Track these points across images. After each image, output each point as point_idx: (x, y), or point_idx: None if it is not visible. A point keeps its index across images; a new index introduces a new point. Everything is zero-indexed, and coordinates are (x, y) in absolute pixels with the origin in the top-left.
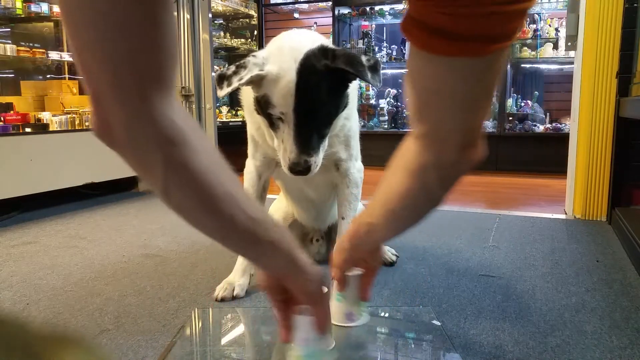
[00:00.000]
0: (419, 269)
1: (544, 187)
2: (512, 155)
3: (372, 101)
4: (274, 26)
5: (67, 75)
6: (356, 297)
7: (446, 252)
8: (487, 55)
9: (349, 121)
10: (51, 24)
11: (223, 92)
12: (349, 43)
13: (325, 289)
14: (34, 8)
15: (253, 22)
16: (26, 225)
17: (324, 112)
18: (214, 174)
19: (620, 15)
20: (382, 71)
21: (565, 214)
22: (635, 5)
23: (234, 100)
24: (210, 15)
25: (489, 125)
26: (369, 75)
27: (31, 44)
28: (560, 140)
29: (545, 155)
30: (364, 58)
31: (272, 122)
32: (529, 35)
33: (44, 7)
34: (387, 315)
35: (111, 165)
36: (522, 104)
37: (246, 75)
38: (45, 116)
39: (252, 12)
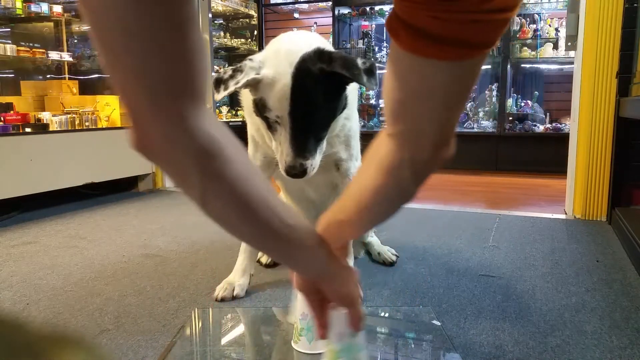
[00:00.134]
0: (419, 269)
1: (544, 187)
2: (512, 155)
3: (372, 101)
4: (274, 26)
5: (67, 75)
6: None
7: (446, 252)
8: (470, 59)
9: (350, 121)
10: (51, 24)
11: (219, 95)
12: (349, 43)
13: (360, 291)
14: (34, 8)
15: (253, 22)
16: (26, 225)
17: (320, 116)
18: (250, 182)
19: (620, 15)
20: (381, 72)
21: (565, 214)
22: (635, 5)
23: (234, 101)
24: (210, 15)
25: (489, 125)
26: (365, 78)
27: (31, 44)
28: (560, 140)
29: (545, 155)
30: (359, 61)
31: (270, 125)
32: (529, 35)
33: (44, 7)
34: (387, 315)
35: (111, 165)
36: (522, 104)
37: (242, 79)
38: (45, 116)
39: (252, 12)
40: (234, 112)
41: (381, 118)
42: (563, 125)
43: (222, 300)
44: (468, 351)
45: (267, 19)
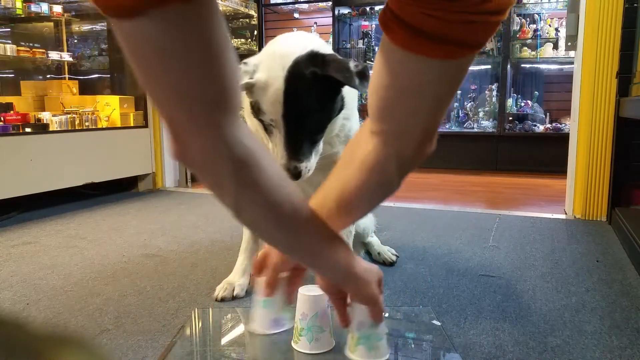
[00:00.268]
0: (419, 269)
1: (544, 187)
2: (512, 155)
3: None
4: (274, 26)
5: (67, 75)
6: (283, 301)
7: (446, 252)
8: (461, 58)
9: (349, 121)
10: (51, 24)
11: None
12: (349, 43)
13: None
14: (34, 8)
15: (253, 22)
16: (26, 225)
17: (314, 119)
18: (281, 190)
19: (620, 15)
20: None
21: (565, 214)
22: (635, 5)
23: None
24: None
25: (489, 125)
26: (357, 81)
27: (31, 44)
28: (560, 140)
29: (545, 155)
30: (352, 64)
31: (266, 127)
32: (529, 35)
33: (44, 7)
34: (387, 315)
35: (111, 165)
36: (522, 104)
37: None
38: (45, 116)
39: (252, 12)
40: None
41: None
42: (563, 125)
43: (222, 300)
44: (468, 351)
45: (267, 19)
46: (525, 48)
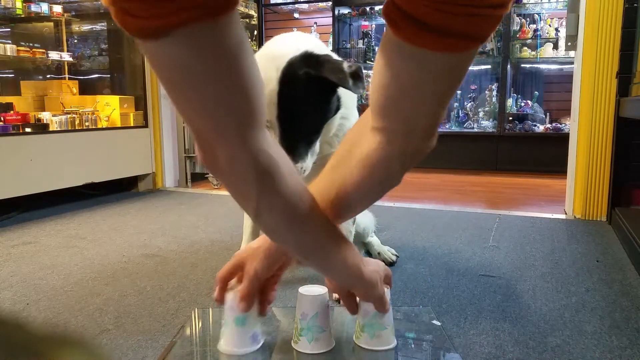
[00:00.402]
0: (419, 269)
1: (544, 187)
2: (512, 155)
3: None
4: (274, 26)
5: (67, 75)
6: (256, 313)
7: (446, 252)
8: (466, 51)
9: (348, 121)
10: (51, 24)
11: None
12: (349, 43)
13: (387, 291)
14: (34, 8)
15: (253, 22)
16: (26, 225)
17: (308, 120)
18: (299, 198)
19: (620, 15)
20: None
21: (565, 214)
22: (635, 5)
23: None
24: None
25: (489, 125)
26: (351, 82)
27: (31, 44)
28: (560, 140)
29: (545, 155)
30: (345, 65)
31: None
32: (529, 35)
33: (44, 7)
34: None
35: (111, 165)
36: (522, 104)
37: None
38: (45, 116)
39: (252, 12)
40: None
41: None
42: (563, 125)
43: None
44: (468, 351)
45: (267, 19)
46: (525, 48)
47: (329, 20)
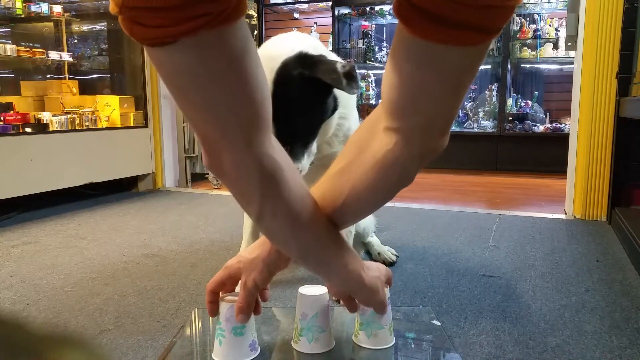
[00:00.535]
0: (419, 269)
1: (544, 187)
2: (512, 155)
3: (372, 101)
4: (274, 26)
5: (67, 75)
6: (252, 319)
7: (446, 252)
8: (482, 44)
9: (348, 121)
10: (51, 24)
11: None
12: (349, 43)
13: (387, 291)
14: (34, 8)
15: (253, 22)
16: (26, 225)
17: (304, 120)
18: (302, 202)
19: (620, 15)
20: (380, 72)
21: (565, 214)
22: (635, 5)
23: None
24: None
25: (489, 125)
26: (344, 82)
27: (31, 44)
28: (560, 140)
29: (545, 155)
30: (339, 65)
31: None
32: (529, 35)
33: (44, 7)
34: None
35: (111, 165)
36: (522, 104)
37: None
38: (45, 116)
39: (252, 12)
40: None
41: None
42: (563, 125)
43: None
44: (468, 351)
45: (267, 19)
46: (525, 48)
47: (329, 20)
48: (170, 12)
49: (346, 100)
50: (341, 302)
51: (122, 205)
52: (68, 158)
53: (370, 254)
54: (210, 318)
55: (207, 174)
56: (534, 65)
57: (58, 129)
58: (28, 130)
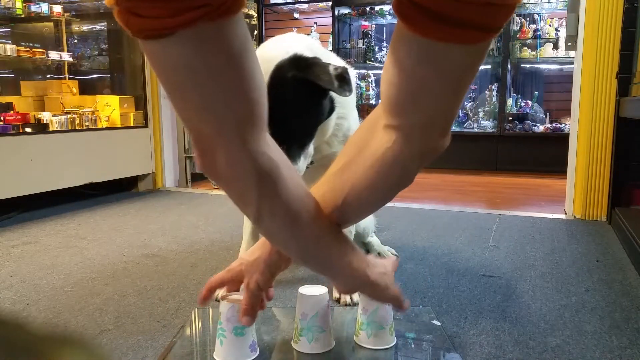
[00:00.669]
0: (419, 269)
1: (544, 187)
2: (512, 155)
3: (372, 101)
4: (274, 26)
5: (67, 75)
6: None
7: (446, 252)
8: (482, 43)
9: (347, 121)
10: (51, 24)
11: None
12: (349, 43)
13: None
14: (34, 8)
15: (253, 22)
16: (26, 225)
17: (299, 122)
18: (301, 202)
19: (620, 15)
20: (379, 72)
21: (565, 214)
22: (635, 5)
23: None
24: None
25: (489, 125)
26: (337, 84)
27: (31, 44)
28: (560, 140)
29: (545, 155)
30: (331, 67)
31: None
32: (529, 35)
33: (44, 7)
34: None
35: (111, 165)
36: (522, 104)
37: None
38: (45, 116)
39: (252, 12)
40: None
41: None
42: (563, 125)
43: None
44: (468, 351)
45: (267, 19)
46: (525, 48)
47: (329, 20)
48: (168, 2)
49: (345, 100)
50: (340, 302)
51: (122, 205)
52: (68, 158)
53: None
54: (210, 318)
55: None
56: (534, 65)
57: (58, 129)
58: (28, 130)
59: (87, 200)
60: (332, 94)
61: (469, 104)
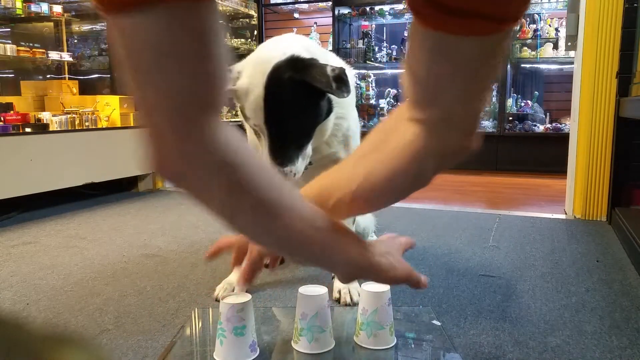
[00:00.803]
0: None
1: (544, 187)
2: (512, 155)
3: (372, 101)
4: (274, 26)
5: (67, 75)
6: (252, 320)
7: (446, 252)
8: (496, 34)
9: (346, 121)
10: (51, 24)
11: None
12: (349, 43)
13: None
14: (34, 8)
15: (253, 22)
16: (26, 225)
17: (297, 123)
18: (272, 192)
19: (620, 15)
20: (379, 72)
21: (565, 214)
22: (635, 5)
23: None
24: None
25: (489, 125)
26: (334, 86)
27: (31, 44)
28: (560, 140)
29: (545, 155)
30: (329, 68)
31: (255, 131)
32: (529, 35)
33: (44, 7)
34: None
35: (111, 165)
36: (522, 104)
37: None
38: (45, 116)
39: (252, 12)
40: (234, 112)
41: (381, 118)
42: (563, 125)
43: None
44: (468, 351)
45: (267, 19)
46: (525, 48)
47: (329, 20)
48: None
49: (344, 100)
50: (340, 302)
51: (122, 205)
52: (68, 158)
53: None
54: (210, 318)
55: None
56: (534, 65)
57: (58, 129)
58: (28, 130)
59: (87, 200)
60: (330, 95)
61: None
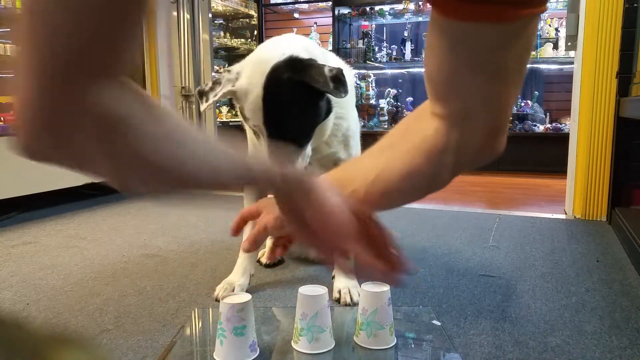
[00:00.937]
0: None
1: (544, 187)
2: (512, 155)
3: (372, 101)
4: (274, 26)
5: None
6: (252, 320)
7: (446, 252)
8: (516, 20)
9: (346, 121)
10: None
11: (203, 106)
12: (349, 43)
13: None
14: None
15: (253, 22)
16: (26, 225)
17: (296, 124)
18: (173, 142)
19: (620, 15)
20: (379, 72)
21: (565, 214)
22: (635, 5)
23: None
24: (210, 15)
25: None
26: (332, 86)
27: None
28: (560, 140)
29: (545, 155)
30: (326, 69)
31: (254, 131)
32: None
33: None
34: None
35: None
36: (522, 104)
37: (220, 91)
38: None
39: (252, 12)
40: (234, 112)
41: (381, 118)
42: (563, 125)
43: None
44: (468, 351)
45: (267, 19)
46: None
47: (329, 20)
48: None
49: (344, 100)
50: (340, 302)
51: (122, 205)
52: None
53: None
54: (210, 318)
55: None
56: (534, 65)
57: None
58: None
59: (87, 200)
60: (329, 95)
61: None
